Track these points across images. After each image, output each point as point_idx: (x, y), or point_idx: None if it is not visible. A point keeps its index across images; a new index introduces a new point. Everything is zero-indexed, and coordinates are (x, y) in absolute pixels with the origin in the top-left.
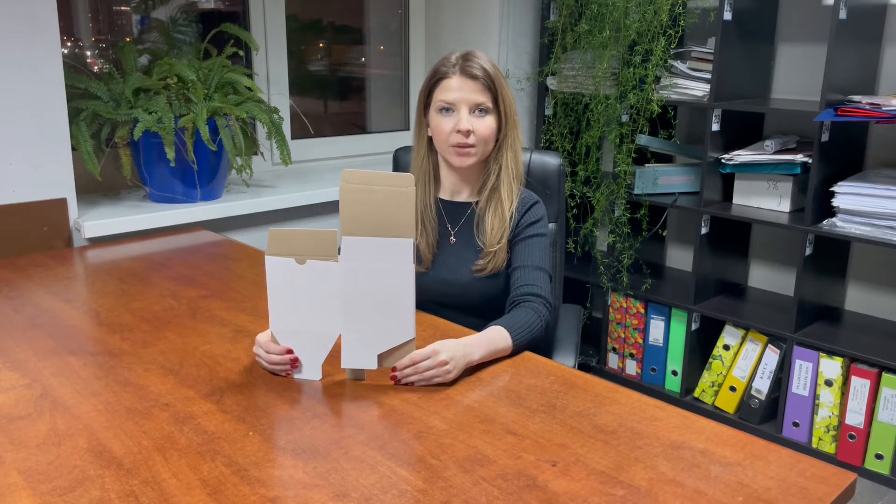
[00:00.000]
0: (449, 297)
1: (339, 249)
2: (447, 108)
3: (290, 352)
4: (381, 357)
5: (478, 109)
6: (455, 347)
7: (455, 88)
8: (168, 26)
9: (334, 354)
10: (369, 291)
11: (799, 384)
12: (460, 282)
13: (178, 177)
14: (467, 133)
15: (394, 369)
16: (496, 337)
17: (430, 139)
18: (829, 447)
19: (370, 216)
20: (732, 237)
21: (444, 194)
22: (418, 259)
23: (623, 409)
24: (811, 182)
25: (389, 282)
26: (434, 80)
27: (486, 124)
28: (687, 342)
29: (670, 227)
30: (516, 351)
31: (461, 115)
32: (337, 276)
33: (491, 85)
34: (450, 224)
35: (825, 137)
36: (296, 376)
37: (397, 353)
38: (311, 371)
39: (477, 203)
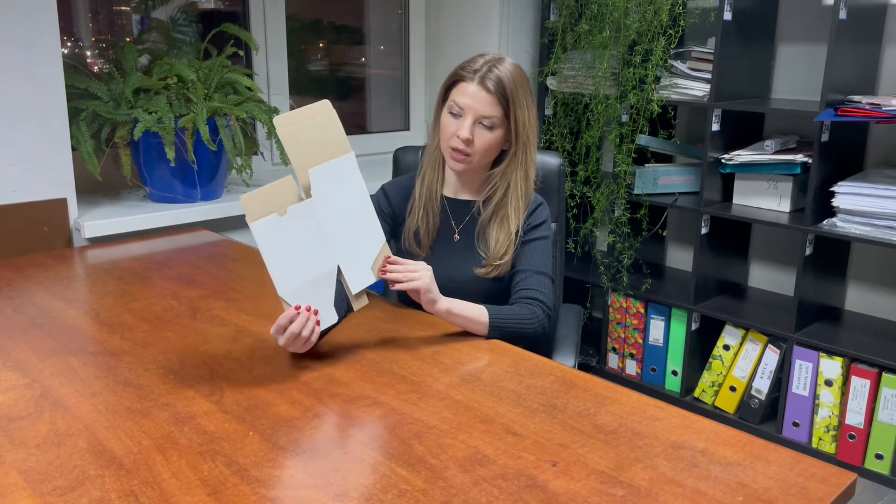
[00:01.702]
0: (452, 294)
1: (301, 191)
2: (456, 112)
3: (306, 308)
4: (374, 269)
5: (484, 121)
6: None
7: (468, 95)
8: (168, 26)
9: (334, 354)
10: (341, 214)
11: (799, 384)
12: (463, 279)
13: (177, 177)
14: (466, 142)
15: (385, 266)
16: (472, 308)
17: None
18: (829, 447)
19: (313, 149)
20: (732, 237)
21: (448, 191)
22: (418, 243)
23: (623, 409)
24: (811, 182)
25: (352, 196)
26: (454, 79)
27: (488, 139)
28: (687, 342)
29: (670, 227)
30: (495, 337)
31: (464, 124)
32: (315, 211)
33: (504, 101)
34: (454, 221)
35: (825, 137)
36: (321, 328)
37: (380, 261)
38: (327, 318)
39: (480, 204)
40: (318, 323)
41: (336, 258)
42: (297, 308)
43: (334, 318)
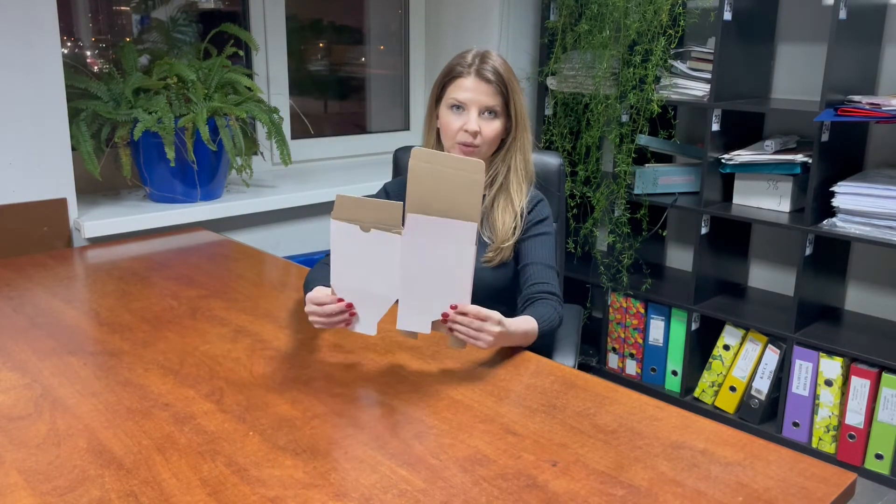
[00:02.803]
0: None
1: (403, 221)
2: (458, 107)
3: (348, 305)
4: (435, 324)
5: (487, 112)
6: (509, 322)
7: (468, 89)
8: (168, 26)
9: (334, 354)
10: (429, 266)
11: (799, 384)
12: None
13: (178, 177)
14: (475, 134)
15: (452, 307)
16: (530, 324)
17: (438, 130)
18: (829, 447)
19: (437, 197)
20: (732, 237)
21: None
22: None
23: (623, 409)
24: (811, 182)
25: (450, 260)
26: (449, 76)
27: (494, 127)
28: (687, 342)
29: (670, 227)
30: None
31: (471, 116)
32: (399, 248)
33: (503, 89)
34: None
35: (825, 137)
36: (353, 328)
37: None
38: (366, 326)
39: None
40: (348, 322)
41: (400, 294)
42: (340, 300)
43: (373, 332)
